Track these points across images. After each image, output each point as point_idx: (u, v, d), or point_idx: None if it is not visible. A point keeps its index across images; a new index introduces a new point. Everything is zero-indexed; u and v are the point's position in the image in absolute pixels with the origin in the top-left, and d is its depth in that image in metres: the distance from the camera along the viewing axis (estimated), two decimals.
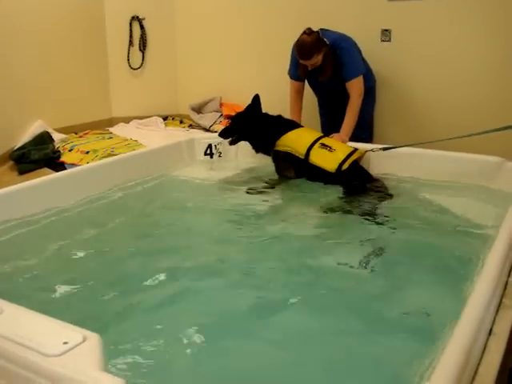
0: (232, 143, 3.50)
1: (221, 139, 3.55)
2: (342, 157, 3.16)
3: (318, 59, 3.58)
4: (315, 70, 3.71)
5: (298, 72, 3.83)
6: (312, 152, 3.23)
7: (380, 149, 3.26)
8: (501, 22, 4.00)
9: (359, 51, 3.93)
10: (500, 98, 4.07)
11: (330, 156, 3.18)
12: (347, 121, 3.65)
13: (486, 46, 4.08)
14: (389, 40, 4.39)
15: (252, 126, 3.42)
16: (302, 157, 3.25)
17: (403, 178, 3.21)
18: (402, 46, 4.36)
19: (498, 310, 1.71)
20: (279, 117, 3.51)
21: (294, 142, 3.32)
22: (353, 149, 3.23)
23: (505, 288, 1.85)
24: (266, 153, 3.47)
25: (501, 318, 1.67)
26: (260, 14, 5.07)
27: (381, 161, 3.27)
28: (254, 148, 3.50)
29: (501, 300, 1.77)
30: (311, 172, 3.25)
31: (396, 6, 4.34)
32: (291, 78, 3.93)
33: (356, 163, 3.21)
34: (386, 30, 4.38)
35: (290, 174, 3.36)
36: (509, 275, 1.95)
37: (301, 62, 3.63)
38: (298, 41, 3.61)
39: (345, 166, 3.12)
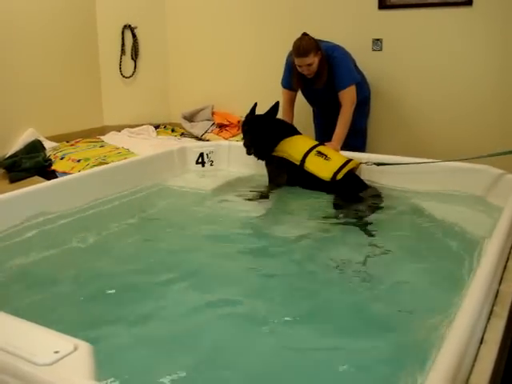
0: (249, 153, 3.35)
1: (212, 148, 3.56)
2: (337, 166, 3.16)
3: (314, 60, 3.57)
4: (310, 78, 3.71)
5: (292, 81, 3.83)
6: (308, 159, 3.22)
7: (374, 163, 3.25)
8: (496, 29, 4.01)
9: (353, 61, 3.94)
10: (494, 106, 4.09)
11: (326, 164, 3.18)
12: (339, 130, 3.65)
13: (479, 55, 4.10)
14: (380, 49, 4.42)
15: (261, 131, 3.32)
16: (298, 163, 3.24)
17: (397, 188, 3.22)
18: (393, 56, 4.39)
19: (489, 318, 1.71)
20: (283, 123, 3.53)
21: (291, 148, 3.31)
22: (348, 159, 3.22)
23: (496, 296, 1.86)
24: (264, 159, 3.42)
25: (492, 327, 1.67)
26: (252, 22, 5.09)
27: (373, 171, 3.28)
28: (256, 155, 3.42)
29: (492, 308, 1.77)
30: (305, 179, 3.25)
31: (387, 16, 4.36)
32: (284, 87, 3.93)
33: (352, 173, 3.21)
34: (378, 40, 4.41)
35: (281, 180, 3.34)
36: (500, 283, 1.96)
37: (297, 62, 3.60)
38: (295, 42, 3.61)
39: (339, 176, 3.12)
